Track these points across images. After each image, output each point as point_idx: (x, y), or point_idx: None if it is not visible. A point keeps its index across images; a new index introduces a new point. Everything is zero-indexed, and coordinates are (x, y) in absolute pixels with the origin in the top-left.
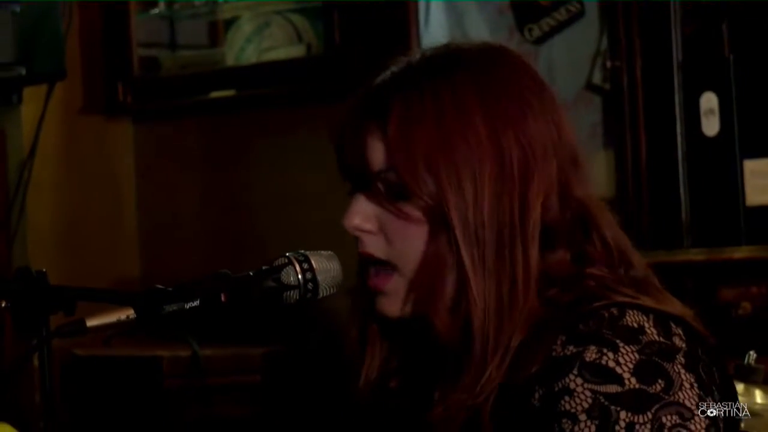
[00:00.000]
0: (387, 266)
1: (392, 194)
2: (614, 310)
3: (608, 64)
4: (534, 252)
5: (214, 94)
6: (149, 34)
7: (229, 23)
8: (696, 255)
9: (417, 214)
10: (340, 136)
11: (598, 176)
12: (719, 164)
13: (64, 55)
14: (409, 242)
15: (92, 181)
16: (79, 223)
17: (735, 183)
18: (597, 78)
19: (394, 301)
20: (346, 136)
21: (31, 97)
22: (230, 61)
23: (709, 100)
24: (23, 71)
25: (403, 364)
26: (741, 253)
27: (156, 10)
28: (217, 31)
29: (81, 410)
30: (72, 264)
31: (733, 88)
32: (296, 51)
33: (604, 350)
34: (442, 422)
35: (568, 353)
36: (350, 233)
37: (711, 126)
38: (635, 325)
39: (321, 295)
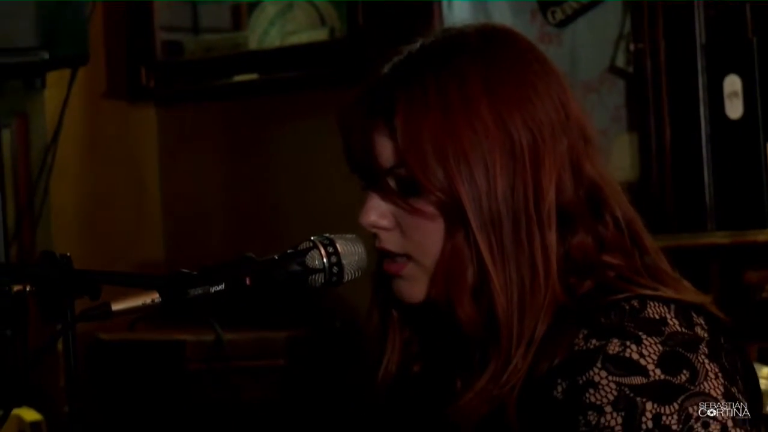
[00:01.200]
0: (403, 257)
1: (404, 190)
2: (635, 302)
3: (632, 47)
4: (552, 236)
5: (237, 78)
6: (172, 17)
7: (253, 6)
8: (720, 238)
9: (431, 209)
10: (347, 134)
11: (621, 159)
12: (743, 147)
13: (87, 40)
14: (426, 237)
15: (115, 165)
16: (103, 207)
17: (759, 166)
18: (620, 61)
19: (412, 285)
20: (353, 134)
21: (55, 82)
22: (253, 44)
23: (732, 83)
24: (46, 56)
25: (424, 350)
26: (765, 236)
27: None
28: (240, 14)
29: (105, 394)
30: (96, 248)
31: (757, 71)
32: (319, 34)
33: (627, 343)
34: (465, 412)
35: (591, 347)
36: (367, 230)
37: (734, 109)
38: (657, 316)
39: (346, 278)
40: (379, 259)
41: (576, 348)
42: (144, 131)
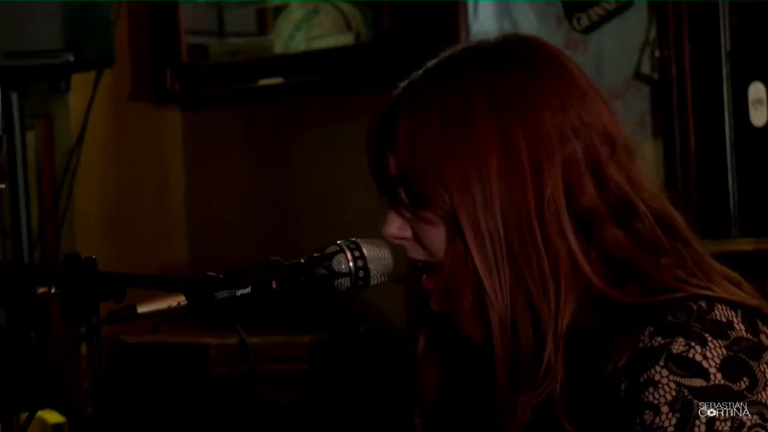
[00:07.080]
0: (432, 267)
1: (413, 201)
2: (703, 303)
3: (657, 53)
4: (566, 240)
5: (263, 82)
6: (198, 21)
7: (278, 10)
8: (744, 245)
9: (436, 219)
10: (366, 150)
11: (646, 166)
12: (767, 154)
13: (112, 42)
14: (436, 245)
15: (140, 168)
16: (127, 209)
17: None
18: (645, 67)
19: (434, 297)
20: (369, 150)
21: (79, 84)
22: (279, 48)
23: (757, 90)
24: (71, 58)
25: (465, 365)
26: None
27: None
28: (266, 18)
29: (128, 397)
30: (119, 251)
31: None
32: (345, 39)
33: (692, 343)
34: (504, 421)
35: (656, 344)
36: (393, 243)
37: (759, 116)
38: (724, 319)
39: (372, 283)
40: (415, 279)
41: (641, 345)
42: (169, 134)
